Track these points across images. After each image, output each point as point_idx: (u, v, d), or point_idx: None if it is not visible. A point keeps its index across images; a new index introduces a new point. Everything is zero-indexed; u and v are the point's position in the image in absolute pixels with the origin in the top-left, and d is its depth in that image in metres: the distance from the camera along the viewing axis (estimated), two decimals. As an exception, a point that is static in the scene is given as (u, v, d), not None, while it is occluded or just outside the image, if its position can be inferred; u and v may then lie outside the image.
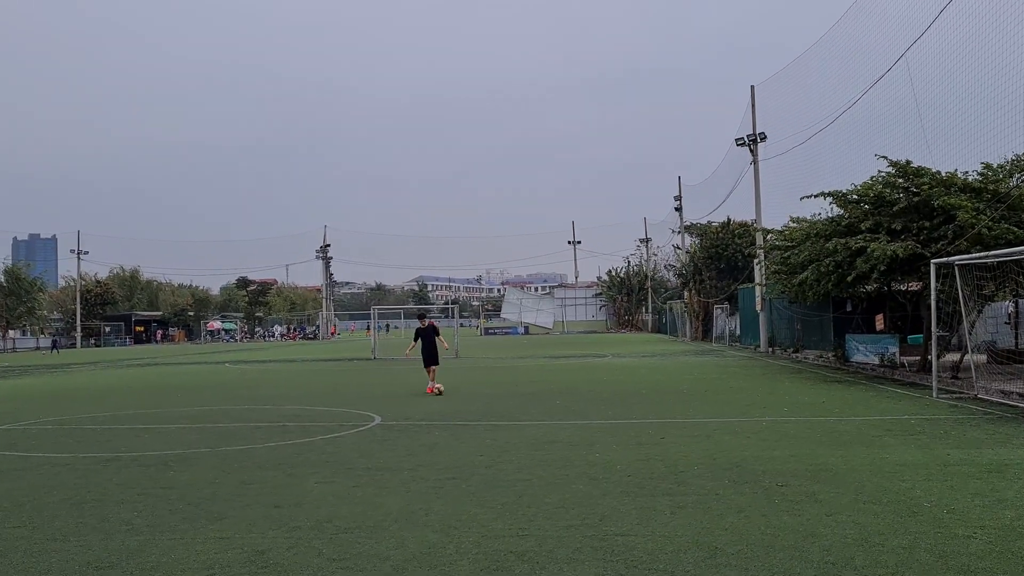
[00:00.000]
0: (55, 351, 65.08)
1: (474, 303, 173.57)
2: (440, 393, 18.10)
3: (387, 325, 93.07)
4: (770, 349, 35.28)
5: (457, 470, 9.38)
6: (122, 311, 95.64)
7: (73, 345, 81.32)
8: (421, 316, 20.47)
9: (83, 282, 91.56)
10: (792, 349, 32.13)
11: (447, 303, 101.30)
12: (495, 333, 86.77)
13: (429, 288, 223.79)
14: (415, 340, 19.40)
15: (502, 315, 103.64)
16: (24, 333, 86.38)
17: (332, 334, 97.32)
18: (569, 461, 9.78)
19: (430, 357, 19.11)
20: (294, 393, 20.15)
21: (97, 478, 9.36)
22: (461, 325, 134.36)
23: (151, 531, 6.91)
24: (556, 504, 7.59)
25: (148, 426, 14.08)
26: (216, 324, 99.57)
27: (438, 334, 19.50)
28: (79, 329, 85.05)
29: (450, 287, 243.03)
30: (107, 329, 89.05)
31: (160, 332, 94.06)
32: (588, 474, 8.97)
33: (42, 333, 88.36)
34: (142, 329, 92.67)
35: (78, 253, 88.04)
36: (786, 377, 21.73)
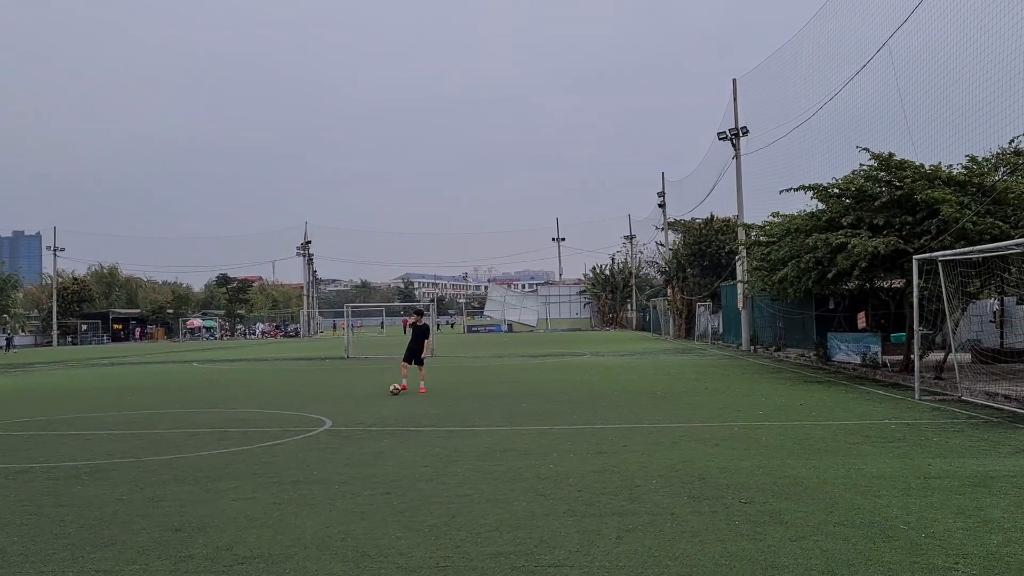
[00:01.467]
0: (8, 350, 63.88)
1: (460, 300, 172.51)
2: (396, 393, 17.74)
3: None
4: (752, 348, 34.59)
5: (394, 484, 8.54)
6: (100, 309, 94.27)
7: (49, 343, 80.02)
8: (420, 312, 20.24)
9: (60, 279, 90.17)
10: (774, 348, 31.43)
11: (431, 300, 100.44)
12: (478, 331, 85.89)
13: (415, 285, 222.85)
14: (405, 332, 19.81)
15: (486, 313, 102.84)
16: (3, 330, 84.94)
17: (319, 332, 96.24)
18: (518, 473, 8.95)
19: (412, 354, 18.83)
20: (250, 395, 19.24)
21: (-5, 494, 8.48)
22: (448, 324, 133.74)
23: (21, 562, 6.05)
24: (491, 526, 6.76)
25: (80, 432, 13.17)
26: (196, 322, 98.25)
27: (427, 337, 19.26)
28: (55, 327, 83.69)
29: (436, 284, 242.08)
30: (84, 327, 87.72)
31: (139, 330, 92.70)
32: (535, 489, 8.15)
33: (21, 331, 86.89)
34: (120, 327, 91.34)
35: (54, 250, 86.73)
36: (765, 377, 20.99)
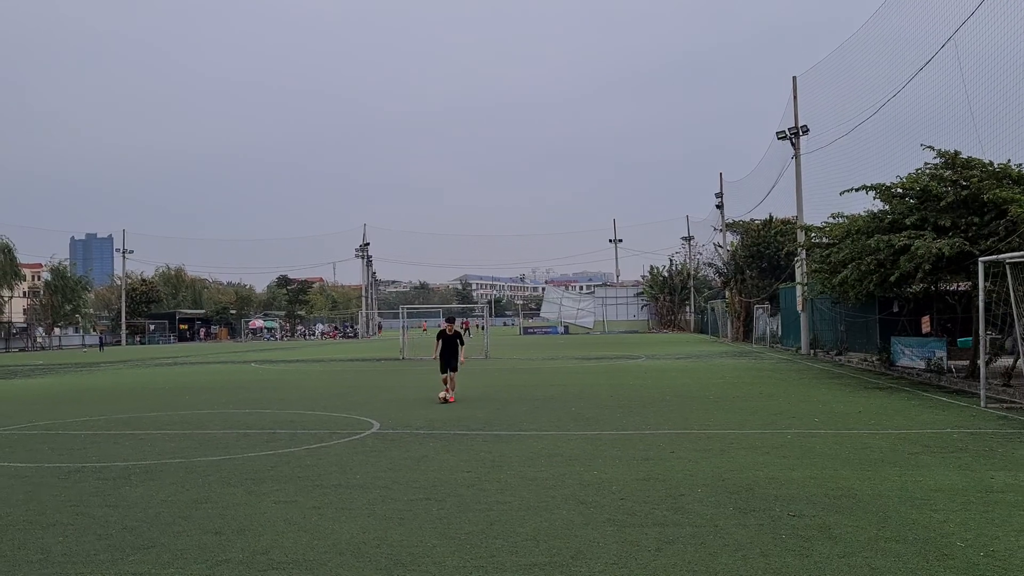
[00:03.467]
0: (101, 349, 65.65)
1: (517, 302, 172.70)
2: (445, 401, 16.86)
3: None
4: (812, 351, 33.79)
5: (435, 489, 8.47)
6: (167, 309, 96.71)
7: (119, 342, 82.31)
8: (451, 320, 18.75)
9: (129, 280, 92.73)
10: (835, 352, 30.65)
11: (488, 301, 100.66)
12: (534, 332, 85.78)
13: (473, 287, 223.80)
14: (437, 340, 17.90)
15: (542, 314, 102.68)
16: (77, 330, 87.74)
17: (377, 333, 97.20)
18: (561, 480, 8.81)
19: (447, 362, 17.50)
20: (303, 396, 19.43)
21: (46, 493, 8.64)
22: (503, 324, 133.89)
23: (64, 563, 6.12)
24: (529, 535, 6.64)
25: (135, 432, 13.43)
26: (258, 322, 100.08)
27: (462, 343, 17.85)
28: (124, 327, 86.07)
29: (494, 286, 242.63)
30: (151, 327, 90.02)
31: (203, 330, 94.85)
32: (577, 496, 8.00)
33: (92, 330, 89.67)
34: (186, 327, 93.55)
35: (123, 252, 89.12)
36: (823, 383, 20.43)
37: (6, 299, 77.58)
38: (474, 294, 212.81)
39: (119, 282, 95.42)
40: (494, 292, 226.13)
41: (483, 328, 47.02)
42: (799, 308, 35.61)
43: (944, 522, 6.76)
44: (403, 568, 5.84)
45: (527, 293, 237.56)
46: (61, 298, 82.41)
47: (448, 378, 17.34)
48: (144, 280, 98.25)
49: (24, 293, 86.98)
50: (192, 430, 13.52)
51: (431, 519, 7.23)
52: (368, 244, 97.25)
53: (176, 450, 11.38)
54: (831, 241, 24.00)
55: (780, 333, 41.16)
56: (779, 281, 41.97)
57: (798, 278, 34.69)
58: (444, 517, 7.29)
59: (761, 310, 45.70)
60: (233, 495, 8.36)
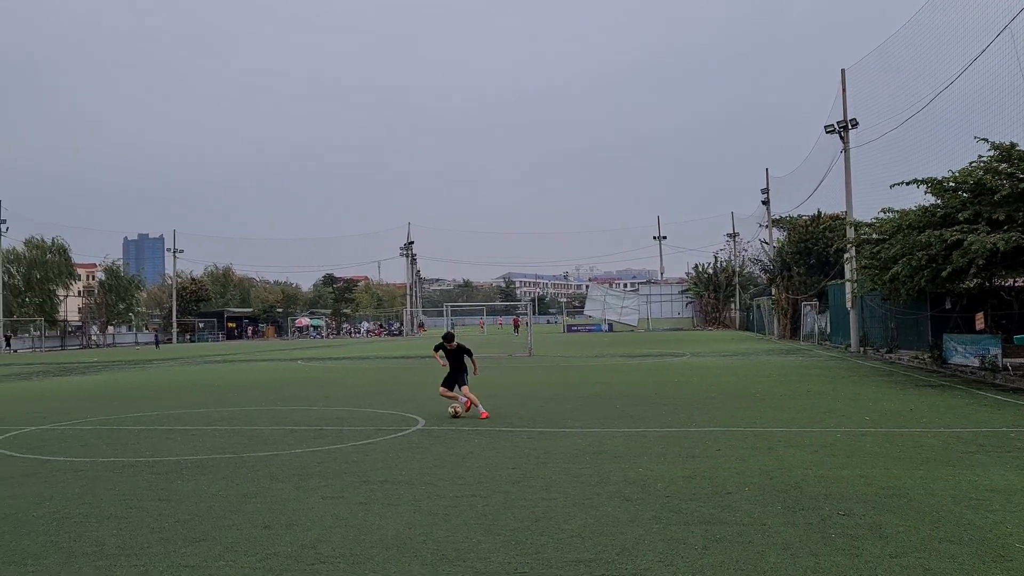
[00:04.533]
0: (157, 347, 67.02)
1: (561, 299, 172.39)
2: (456, 415, 14.34)
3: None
4: (861, 349, 33.20)
5: (480, 486, 8.50)
6: (215, 308, 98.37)
7: (170, 340, 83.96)
8: (450, 337, 15.61)
9: (179, 279, 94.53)
10: (885, 349, 30.07)
11: (532, 299, 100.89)
12: (578, 330, 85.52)
13: (516, 284, 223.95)
14: (436, 351, 15.51)
15: (586, 312, 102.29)
16: (130, 329, 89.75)
17: (420, 331, 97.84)
18: (606, 477, 8.77)
19: (456, 377, 14.99)
20: (349, 393, 19.64)
21: (100, 487, 8.85)
22: (547, 322, 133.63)
23: (118, 555, 6.26)
24: (574, 531, 6.63)
25: (185, 427, 13.69)
26: (304, 320, 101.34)
27: (470, 355, 15.39)
28: (175, 325, 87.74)
29: (537, 283, 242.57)
30: (201, 325, 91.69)
31: (251, 328, 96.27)
32: (622, 493, 7.96)
33: (144, 328, 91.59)
34: (234, 325, 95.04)
35: (174, 252, 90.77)
36: (873, 380, 20.07)
37: (62, 298, 79.60)
38: (517, 292, 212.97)
39: (170, 281, 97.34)
40: (537, 290, 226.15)
41: (527, 326, 47.02)
42: (848, 305, 35.02)
43: (1000, 523, 6.60)
44: (449, 563, 5.87)
45: (570, 291, 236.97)
46: (115, 297, 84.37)
47: (456, 394, 14.78)
48: (194, 279, 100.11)
49: (79, 292, 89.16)
50: (241, 426, 13.74)
51: (476, 515, 7.26)
52: (412, 243, 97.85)
53: (226, 446, 11.58)
54: (881, 237, 23.55)
55: (829, 330, 40.52)
56: (827, 278, 41.31)
57: (847, 275, 34.12)
58: (489, 513, 7.31)
59: (809, 307, 45.02)
60: (281, 490, 8.47)
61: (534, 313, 60.55)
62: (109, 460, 10.58)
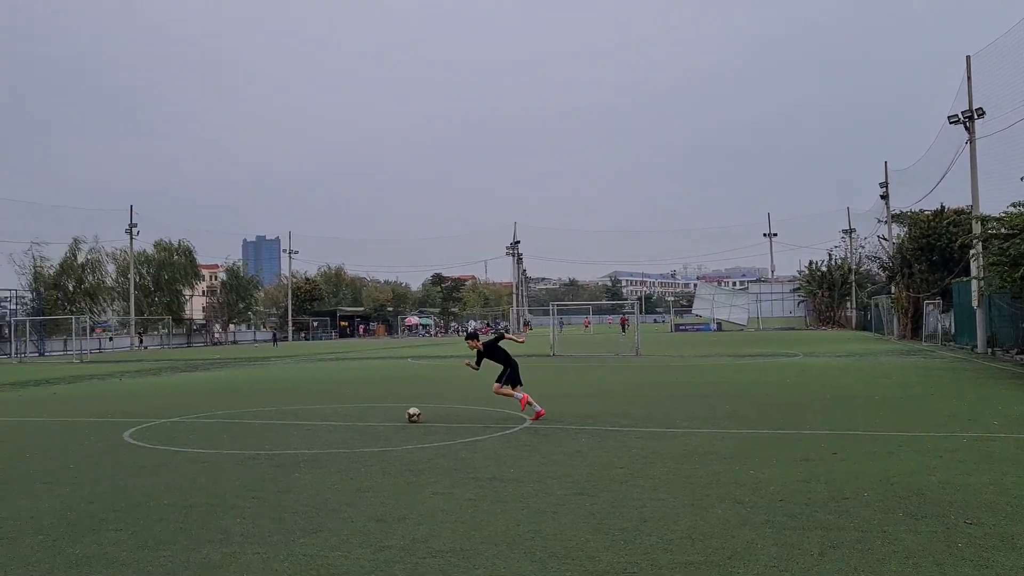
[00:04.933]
0: (275, 344, 69.69)
1: (668, 298, 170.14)
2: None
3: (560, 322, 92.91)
4: (989, 350, 31.47)
5: (588, 484, 8.49)
6: (328, 307, 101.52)
7: (286, 338, 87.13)
8: (473, 336, 15.35)
9: (294, 279, 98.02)
10: (1016, 350, 28.43)
11: (638, 298, 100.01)
12: (686, 329, 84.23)
13: (622, 283, 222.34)
14: (478, 360, 14.90)
15: (694, 311, 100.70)
16: (249, 327, 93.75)
17: (526, 329, 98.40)
18: (716, 478, 8.62)
19: (511, 376, 14.39)
20: (457, 391, 19.93)
21: (226, 477, 9.28)
22: (654, 321, 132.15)
23: (242, 542, 6.55)
24: (684, 533, 6.54)
25: (301, 422, 14.19)
26: (414, 319, 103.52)
27: (501, 338, 14.99)
28: (290, 324, 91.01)
29: (643, 282, 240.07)
30: (315, 323, 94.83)
31: (362, 327, 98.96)
32: (734, 496, 7.81)
33: (262, 326, 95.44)
34: (346, 324, 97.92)
35: (289, 252, 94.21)
36: (1003, 383, 19.01)
37: (188, 298, 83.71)
38: (624, 291, 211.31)
39: (286, 281, 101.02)
40: (644, 289, 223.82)
41: (634, 325, 46.63)
42: (975, 304, 33.27)
43: None
44: (557, 560, 5.90)
45: (678, 289, 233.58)
46: (235, 296, 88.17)
47: (508, 391, 14.30)
48: (308, 279, 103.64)
49: (203, 292, 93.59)
50: (354, 422, 14.15)
51: (584, 514, 7.26)
52: (518, 242, 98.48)
53: (340, 441, 11.95)
54: (1011, 232, 22.32)
55: (953, 330, 38.58)
56: (952, 275, 39.36)
57: (973, 272, 32.45)
58: (597, 512, 7.30)
59: (932, 306, 43.00)
60: (394, 485, 8.68)
61: (641, 312, 59.92)
62: (232, 452, 11.07)
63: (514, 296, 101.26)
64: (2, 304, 65.42)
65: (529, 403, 14.01)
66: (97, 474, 9.72)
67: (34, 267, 66.94)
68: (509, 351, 14.78)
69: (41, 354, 57.50)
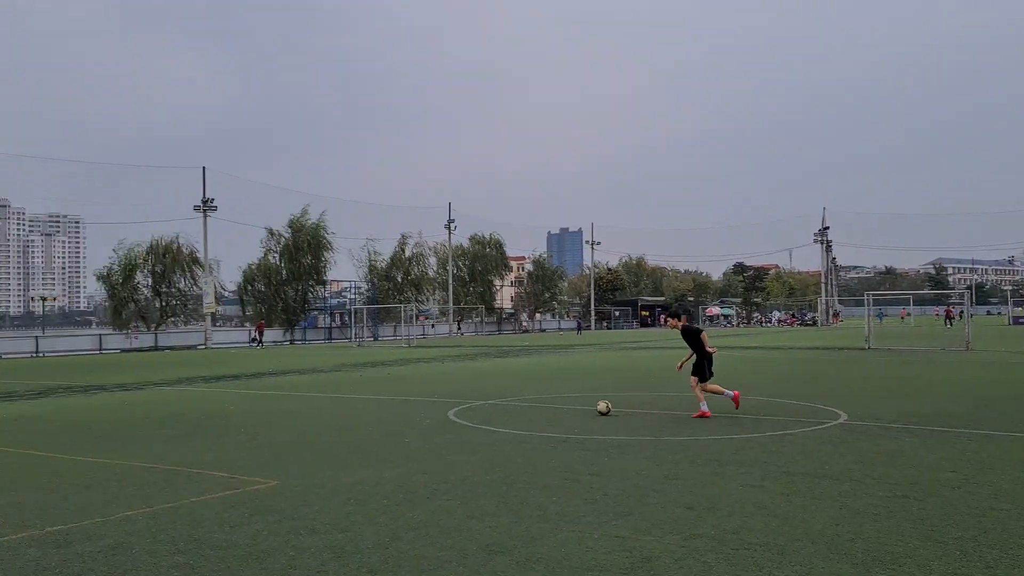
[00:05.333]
0: (579, 333, 72.12)
1: (1004, 287, 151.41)
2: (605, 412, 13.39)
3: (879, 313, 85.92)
4: None
5: (913, 487, 7.88)
6: (629, 296, 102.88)
7: (589, 327, 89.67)
8: (676, 315, 14.45)
9: (596, 270, 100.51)
10: None
11: (968, 287, 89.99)
12: (1028, 322, 74.44)
13: (948, 271, 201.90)
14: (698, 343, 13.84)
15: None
16: (553, 316, 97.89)
17: (835, 320, 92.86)
18: (1073, 491, 7.60)
19: (701, 368, 13.62)
20: (762, 382, 19.33)
21: (540, 458, 9.81)
22: (987, 313, 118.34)
23: (557, 520, 6.91)
24: (1033, 548, 5.87)
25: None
26: (715, 309, 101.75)
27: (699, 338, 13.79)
28: (592, 313, 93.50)
29: (974, 270, 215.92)
30: (616, 313, 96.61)
31: (663, 316, 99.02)
32: (1096, 512, 6.84)
33: (566, 315, 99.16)
34: (647, 313, 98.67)
35: (591, 243, 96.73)
36: None
37: (498, 288, 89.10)
38: (950, 279, 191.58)
39: (588, 271, 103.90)
40: (975, 277, 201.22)
41: (962, 316, 42.20)
42: None
43: None
44: (882, 567, 5.55)
45: (1016, 277, 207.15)
46: (541, 287, 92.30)
47: (704, 387, 13.54)
48: (610, 269, 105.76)
49: (512, 283, 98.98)
50: (659, 410, 14.27)
51: (911, 518, 6.75)
52: (827, 228, 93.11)
53: (646, 428, 12.12)
54: None
55: None
56: None
57: None
58: (926, 518, 6.76)
59: None
60: (700, 474, 8.66)
61: (971, 303, 54.03)
62: (545, 435, 11.67)
63: (823, 285, 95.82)
64: (343, 294, 74.07)
65: (701, 401, 13.41)
66: (429, 448, 10.74)
67: (369, 261, 74.84)
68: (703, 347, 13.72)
69: (375, 339, 64.26)
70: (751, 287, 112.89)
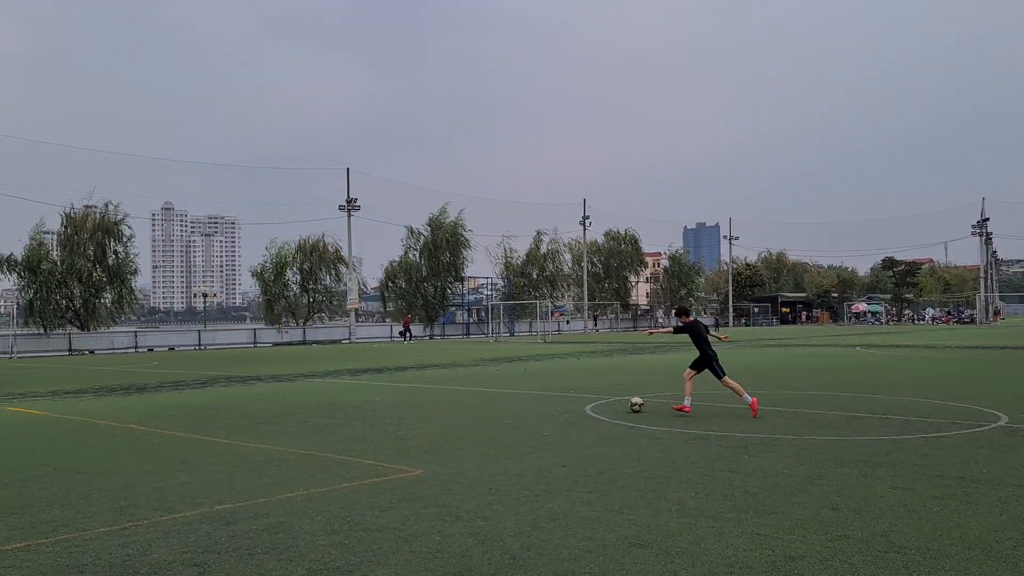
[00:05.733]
0: (716, 329, 70.84)
1: None
2: (637, 410, 13.48)
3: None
4: None
5: (1084, 496, 7.39)
6: (769, 293, 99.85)
7: (726, 324, 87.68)
8: (684, 311, 14.79)
9: (734, 265, 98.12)
10: None
11: None
12: None
13: None
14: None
15: None
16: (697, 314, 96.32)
17: (995, 318, 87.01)
18: None
19: (704, 361, 13.85)
20: (914, 382, 18.43)
21: (678, 453, 9.77)
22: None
23: (696, 515, 6.90)
24: None
25: (741, 406, 14.27)
26: (861, 306, 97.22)
27: (707, 331, 14.23)
28: (730, 310, 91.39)
29: None
30: (755, 310, 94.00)
31: (804, 313, 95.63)
32: None
33: (703, 312, 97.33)
34: (788, 310, 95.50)
35: (729, 239, 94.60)
36: None
37: (633, 284, 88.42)
38: None
39: (726, 267, 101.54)
40: None
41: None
42: None
43: None
44: (1046, 575, 5.28)
45: None
46: (677, 282, 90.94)
47: (725, 383, 13.61)
48: (748, 265, 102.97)
49: (647, 279, 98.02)
50: (801, 409, 13.88)
51: (1080, 528, 6.35)
52: (987, 219, 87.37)
53: (788, 427, 11.83)
54: None
55: None
56: None
57: None
58: (1097, 528, 6.34)
59: None
60: (847, 475, 8.41)
61: None
62: (682, 431, 11.59)
63: (981, 281, 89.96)
64: (480, 290, 75.41)
65: (687, 396, 13.76)
66: (567, 441, 10.88)
67: (505, 257, 75.87)
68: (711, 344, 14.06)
69: (511, 334, 65.16)
70: (902, 282, 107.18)
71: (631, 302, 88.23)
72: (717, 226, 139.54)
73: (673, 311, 15.51)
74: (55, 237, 53.61)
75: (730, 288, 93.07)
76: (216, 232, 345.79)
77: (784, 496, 7.53)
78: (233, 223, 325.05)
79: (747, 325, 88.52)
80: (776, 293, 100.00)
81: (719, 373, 13.61)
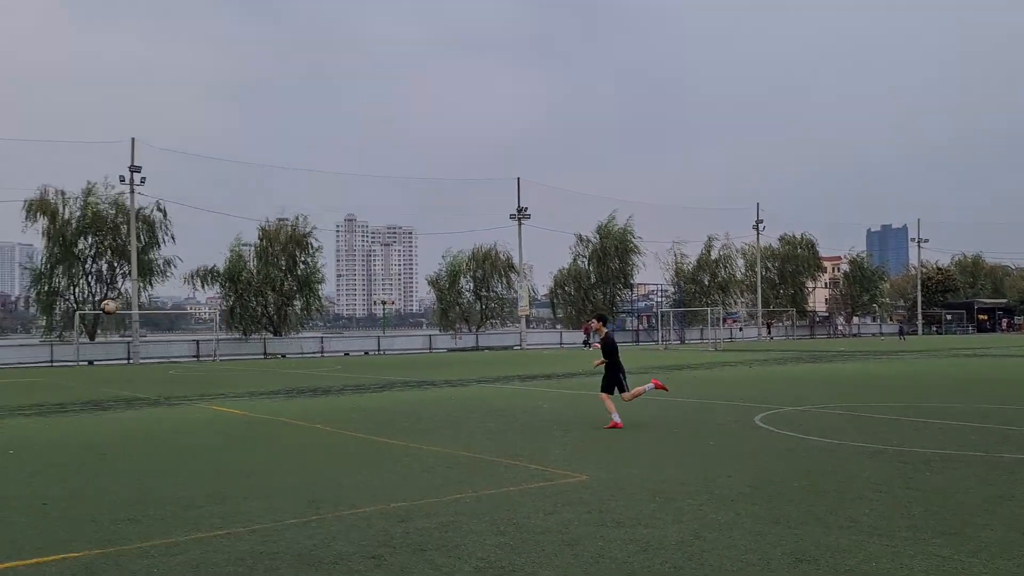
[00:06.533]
0: (901, 338, 66.65)
1: None
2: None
3: None
4: None
5: None
6: (963, 298, 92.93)
7: (914, 332, 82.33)
8: (602, 319, 14.60)
9: (924, 270, 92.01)
10: None
11: None
12: None
13: None
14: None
15: None
16: (874, 319, 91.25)
17: None
18: None
19: (609, 382, 13.70)
20: None
21: (852, 467, 9.40)
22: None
23: (870, 532, 6.64)
24: None
25: (930, 420, 13.47)
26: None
27: (613, 354, 13.82)
28: (919, 316, 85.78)
29: None
30: (948, 316, 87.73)
31: (1005, 320, 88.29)
32: None
33: (888, 319, 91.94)
34: (985, 317, 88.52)
35: (918, 241, 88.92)
36: None
37: (810, 290, 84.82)
38: None
39: (914, 271, 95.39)
40: None
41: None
42: None
43: None
44: None
45: None
46: (859, 288, 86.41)
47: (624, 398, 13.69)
48: (940, 269, 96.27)
49: (826, 284, 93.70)
50: (993, 424, 12.95)
51: None
52: None
53: (977, 443, 11.08)
54: None
55: None
56: None
57: None
58: None
59: None
60: (1042, 497, 7.82)
61: None
62: (857, 444, 11.11)
63: None
64: (650, 297, 74.73)
65: (611, 412, 13.41)
66: (734, 451, 10.71)
67: (675, 263, 74.82)
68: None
69: (682, 342, 64.13)
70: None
71: (808, 308, 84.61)
72: (904, 228, 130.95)
73: (594, 318, 14.96)
74: (252, 249, 57.92)
75: (919, 293, 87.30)
76: (395, 241, 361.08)
77: (968, 516, 7.11)
78: (410, 233, 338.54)
79: (939, 333, 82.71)
80: (972, 299, 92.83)
81: (622, 388, 13.57)
